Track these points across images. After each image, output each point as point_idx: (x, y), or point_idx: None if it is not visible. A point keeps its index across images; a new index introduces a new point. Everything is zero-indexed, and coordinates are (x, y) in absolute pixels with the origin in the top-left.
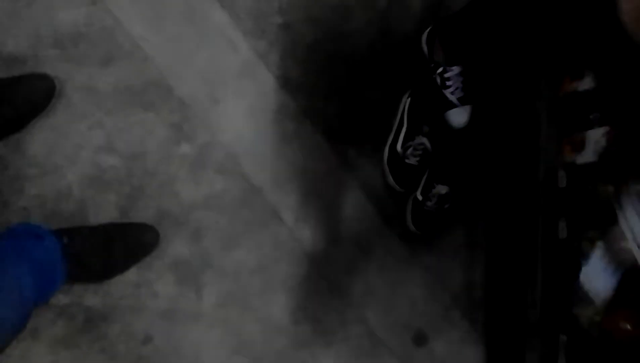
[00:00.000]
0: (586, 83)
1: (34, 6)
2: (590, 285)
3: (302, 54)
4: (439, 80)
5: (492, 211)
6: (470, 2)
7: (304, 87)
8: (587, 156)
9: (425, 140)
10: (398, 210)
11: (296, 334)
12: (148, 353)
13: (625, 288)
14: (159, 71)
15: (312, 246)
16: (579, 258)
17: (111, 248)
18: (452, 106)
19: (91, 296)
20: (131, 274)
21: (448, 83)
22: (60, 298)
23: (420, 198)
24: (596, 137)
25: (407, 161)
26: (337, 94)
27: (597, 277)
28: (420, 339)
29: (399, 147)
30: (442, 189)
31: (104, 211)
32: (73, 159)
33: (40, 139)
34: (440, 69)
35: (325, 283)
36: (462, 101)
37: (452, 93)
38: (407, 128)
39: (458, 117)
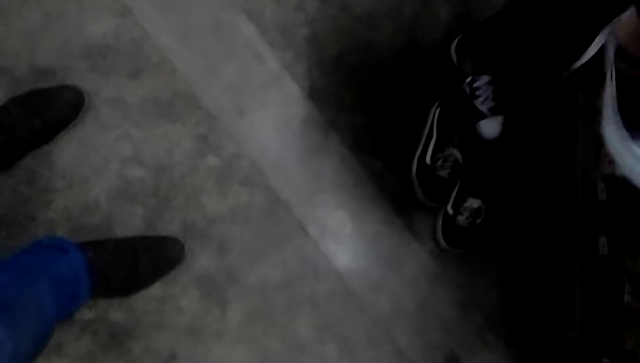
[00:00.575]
0: None
1: (64, 19)
2: (637, 305)
3: (329, 65)
4: (468, 90)
5: (528, 226)
6: (499, 11)
7: (330, 99)
8: None
9: (455, 151)
10: (428, 225)
11: (322, 353)
12: None
13: None
14: (186, 83)
15: (339, 261)
16: (622, 275)
17: (136, 262)
18: (483, 116)
19: (115, 312)
20: (156, 289)
21: (477, 93)
22: (85, 313)
23: (451, 212)
24: None
25: (436, 173)
26: (364, 105)
27: None
28: (452, 361)
29: (428, 159)
30: (474, 203)
31: (130, 223)
32: (100, 172)
33: (69, 151)
34: (469, 79)
35: (353, 299)
36: (494, 111)
37: (482, 103)
38: (436, 139)
39: (490, 128)
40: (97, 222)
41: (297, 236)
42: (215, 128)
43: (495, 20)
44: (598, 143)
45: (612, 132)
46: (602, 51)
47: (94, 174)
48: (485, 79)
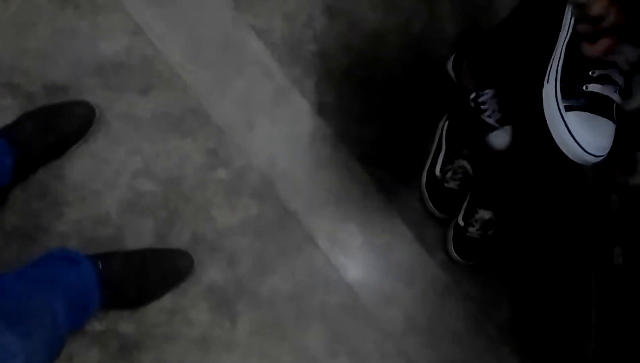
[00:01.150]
0: (635, 102)
1: (78, 36)
2: None
3: (337, 80)
4: (472, 105)
5: (540, 237)
6: (498, 25)
7: (338, 113)
8: None
9: (465, 163)
10: (438, 236)
11: None
12: None
13: None
14: (197, 99)
15: (348, 274)
16: (639, 286)
17: (146, 274)
18: (492, 128)
19: (126, 323)
20: (166, 301)
21: (483, 107)
22: (95, 325)
23: (462, 223)
24: None
25: (446, 185)
26: (372, 118)
27: None
28: None
29: (437, 171)
30: (485, 214)
31: (141, 236)
32: (111, 185)
33: (80, 165)
34: (473, 95)
35: (363, 312)
36: (501, 122)
37: (489, 116)
38: (445, 151)
39: (499, 139)
40: (108, 234)
41: (306, 248)
42: (225, 142)
43: (495, 35)
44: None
45: (550, 96)
46: None
47: (105, 188)
48: (489, 93)
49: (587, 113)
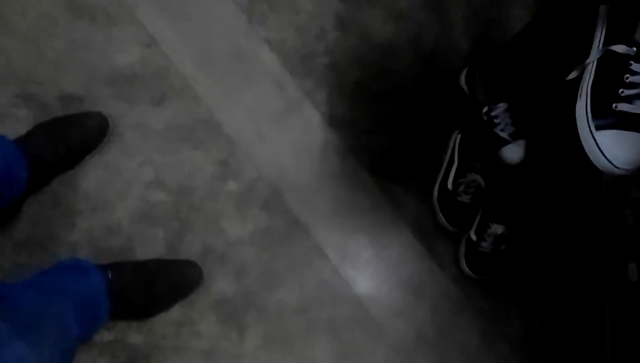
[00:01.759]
0: None
1: (92, 48)
2: None
3: (348, 91)
4: (485, 119)
5: (553, 252)
6: (512, 39)
7: (350, 125)
8: None
9: (478, 177)
10: (450, 250)
11: None
12: None
13: None
14: (209, 110)
15: (358, 287)
16: None
17: (155, 284)
18: (505, 142)
19: (134, 334)
20: (174, 312)
21: (496, 121)
22: (104, 335)
23: (474, 238)
24: None
25: (458, 198)
26: (384, 131)
27: None
28: None
29: (449, 184)
30: (498, 229)
31: (151, 246)
32: (123, 195)
33: (93, 175)
34: (485, 109)
35: (372, 326)
36: (515, 136)
37: (502, 130)
38: (458, 165)
39: (513, 153)
40: (119, 244)
41: (316, 260)
42: (235, 153)
43: (509, 48)
44: None
45: (582, 113)
46: None
47: (116, 198)
48: (502, 106)
49: (617, 131)
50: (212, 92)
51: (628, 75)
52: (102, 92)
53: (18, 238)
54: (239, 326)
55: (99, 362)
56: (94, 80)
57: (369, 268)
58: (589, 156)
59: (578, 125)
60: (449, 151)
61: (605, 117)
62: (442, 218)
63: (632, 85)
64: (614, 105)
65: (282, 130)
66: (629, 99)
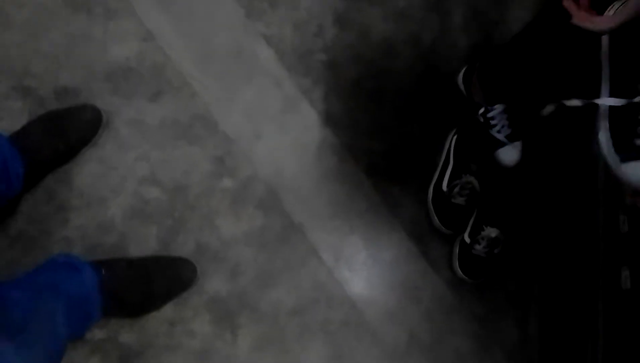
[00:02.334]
0: None
1: (89, 42)
2: None
3: (346, 90)
4: (482, 120)
5: (547, 257)
6: (509, 41)
7: (347, 124)
8: None
9: (472, 179)
10: (444, 253)
11: None
12: None
13: None
14: (206, 106)
15: (353, 288)
16: None
17: (149, 282)
18: (501, 144)
19: (127, 333)
20: (167, 310)
21: (492, 122)
22: (96, 333)
23: (468, 240)
24: None
25: (453, 200)
26: (381, 131)
27: None
28: None
29: (444, 186)
30: (492, 232)
31: (145, 243)
32: (117, 191)
33: (87, 170)
34: (482, 110)
35: (366, 329)
36: (511, 138)
37: (498, 132)
38: (453, 167)
39: (509, 155)
40: (113, 241)
41: (310, 262)
42: (232, 151)
43: (507, 50)
44: None
45: (605, 143)
46: None
47: (111, 194)
48: (499, 108)
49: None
50: (208, 88)
51: None
52: (99, 86)
53: (12, 233)
54: (233, 326)
55: (90, 360)
56: (91, 74)
57: (364, 270)
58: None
59: (605, 155)
60: (445, 152)
61: (627, 152)
62: (437, 219)
63: None
64: (634, 140)
65: (279, 128)
66: None
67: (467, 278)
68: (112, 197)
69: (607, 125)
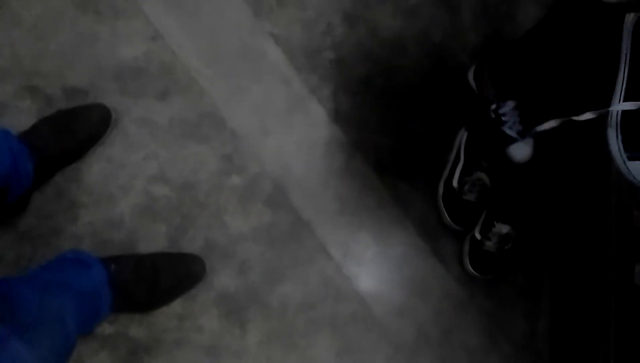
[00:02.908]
0: None
1: (97, 42)
2: None
3: (354, 88)
4: (493, 116)
5: (559, 253)
6: (522, 36)
7: (355, 121)
8: None
9: (483, 175)
10: (454, 249)
11: None
12: None
13: None
14: (214, 105)
15: (361, 284)
16: None
17: (158, 278)
18: (513, 140)
19: (136, 327)
20: (176, 306)
21: (504, 118)
22: (106, 327)
23: (478, 237)
24: None
25: (464, 197)
26: (389, 128)
27: None
28: None
29: (455, 182)
30: (502, 228)
31: (154, 240)
32: (126, 189)
33: (97, 168)
34: (494, 106)
35: (375, 324)
36: (522, 135)
37: (510, 128)
38: (464, 163)
39: (520, 151)
40: (122, 238)
41: (319, 258)
42: (240, 149)
43: (519, 45)
44: None
45: (613, 140)
46: None
47: (120, 191)
48: (510, 104)
49: None
50: (217, 87)
51: None
52: (107, 85)
53: (21, 230)
54: (241, 321)
55: (100, 355)
56: (99, 73)
57: (373, 266)
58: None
59: (612, 153)
60: (455, 149)
61: (636, 151)
62: (447, 216)
63: None
64: None
65: (287, 126)
66: None
67: (478, 275)
68: (121, 195)
69: (618, 127)
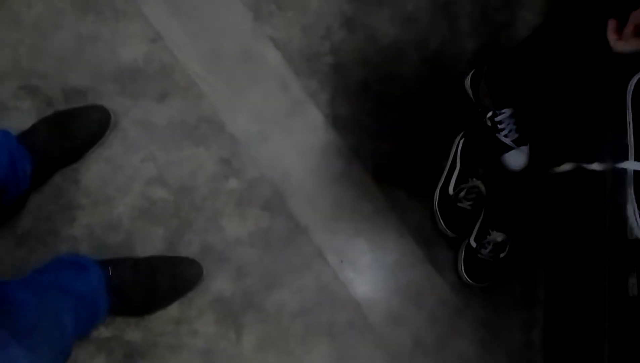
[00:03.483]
0: None
1: (98, 43)
2: None
3: (353, 93)
4: (489, 124)
5: (553, 263)
6: (519, 44)
7: (353, 127)
8: None
9: (479, 183)
10: (450, 257)
11: None
12: None
13: None
14: (213, 108)
15: (357, 291)
16: None
17: (155, 281)
18: (508, 148)
19: (132, 331)
20: (173, 310)
21: (500, 126)
22: (102, 331)
23: (473, 244)
24: None
25: (459, 204)
26: (387, 133)
27: None
28: None
29: (450, 190)
30: (497, 236)
31: (151, 243)
32: (124, 191)
33: (95, 170)
34: (490, 113)
35: (371, 331)
36: (518, 143)
37: (506, 136)
38: (459, 170)
39: (516, 159)
40: (119, 240)
41: (315, 263)
42: (238, 153)
43: (516, 53)
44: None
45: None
46: None
47: (118, 194)
48: (507, 112)
49: None
50: (216, 90)
51: None
52: (106, 87)
53: (19, 231)
54: (237, 326)
55: (96, 359)
56: (99, 74)
57: (369, 273)
58: None
59: (629, 222)
60: (451, 156)
61: None
62: (442, 223)
63: None
64: None
65: (286, 130)
66: None
67: (472, 282)
68: (119, 197)
69: (633, 193)
